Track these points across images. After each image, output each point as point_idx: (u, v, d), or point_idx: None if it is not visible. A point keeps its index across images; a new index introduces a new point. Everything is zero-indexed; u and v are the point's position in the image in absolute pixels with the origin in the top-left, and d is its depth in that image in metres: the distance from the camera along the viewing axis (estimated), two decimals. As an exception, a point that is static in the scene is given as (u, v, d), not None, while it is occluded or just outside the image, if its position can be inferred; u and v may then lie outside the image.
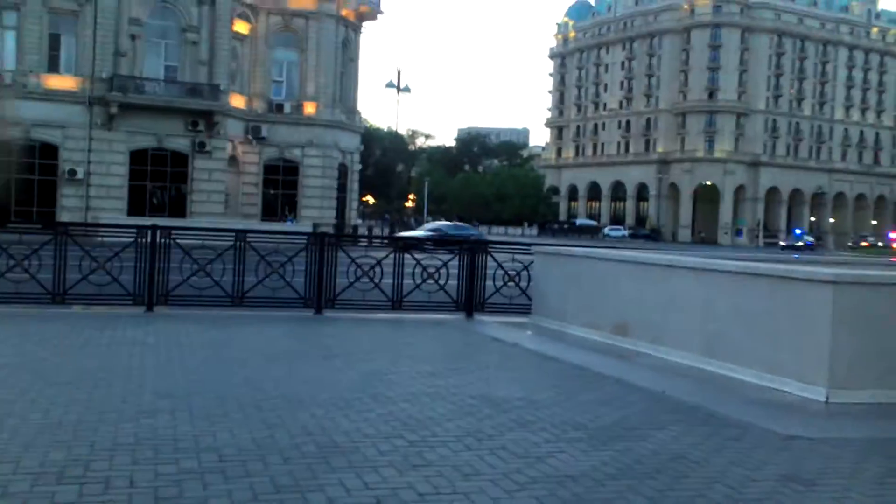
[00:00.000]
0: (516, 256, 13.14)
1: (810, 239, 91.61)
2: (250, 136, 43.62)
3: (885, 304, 7.39)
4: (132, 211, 38.98)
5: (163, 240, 11.53)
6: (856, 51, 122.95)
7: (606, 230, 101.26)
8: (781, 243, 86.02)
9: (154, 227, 11.55)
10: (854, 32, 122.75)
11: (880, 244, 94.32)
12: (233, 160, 43.17)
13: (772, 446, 5.55)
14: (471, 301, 12.64)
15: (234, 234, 11.95)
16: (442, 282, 12.60)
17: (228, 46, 41.92)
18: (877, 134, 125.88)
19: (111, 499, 4.01)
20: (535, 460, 4.95)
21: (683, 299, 9.14)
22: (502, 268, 12.86)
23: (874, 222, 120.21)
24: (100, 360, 7.73)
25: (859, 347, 7.25)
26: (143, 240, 11.48)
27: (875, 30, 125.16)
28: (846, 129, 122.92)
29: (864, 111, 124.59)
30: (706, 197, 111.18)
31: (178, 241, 11.68)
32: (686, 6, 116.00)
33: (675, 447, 5.40)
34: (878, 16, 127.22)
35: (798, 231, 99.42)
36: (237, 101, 42.90)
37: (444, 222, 47.71)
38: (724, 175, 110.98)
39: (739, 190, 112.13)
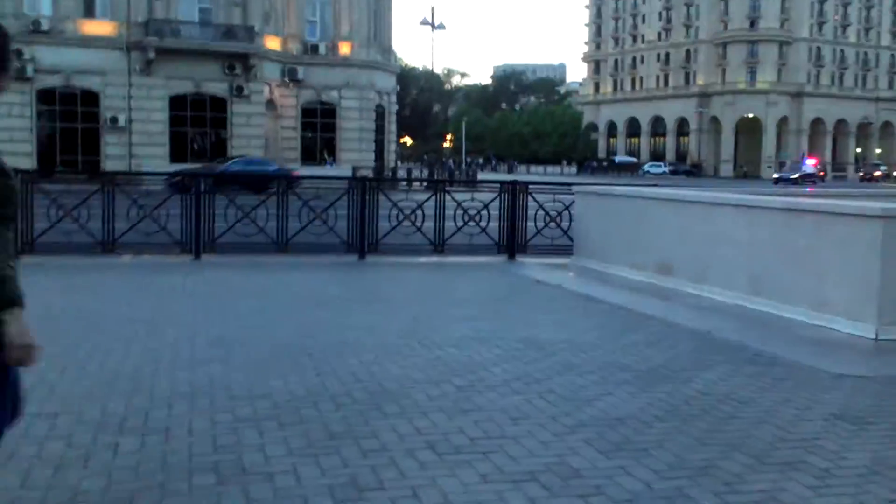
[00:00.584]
0: (557, 196, 13.07)
1: (811, 168, 76.29)
2: (287, 79, 43.48)
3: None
4: (174, 157, 39.33)
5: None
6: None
7: (646, 167, 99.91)
8: (775, 175, 73.37)
9: (195, 175, 11.68)
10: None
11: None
12: (270, 104, 43.17)
13: (821, 385, 5.54)
14: (512, 243, 12.64)
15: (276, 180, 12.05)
16: (483, 224, 12.62)
17: (261, -14, 41.62)
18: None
19: (173, 448, 4.14)
20: (583, 403, 5.00)
21: (727, 237, 9.05)
22: (543, 208, 12.81)
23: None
24: (152, 308, 7.90)
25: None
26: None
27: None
28: (893, 56, 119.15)
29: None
30: (748, 130, 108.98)
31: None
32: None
33: (722, 387, 5.41)
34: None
35: (806, 159, 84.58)
36: (272, 43, 42.71)
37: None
38: (767, 107, 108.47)
39: (782, 122, 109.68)
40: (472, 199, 12.85)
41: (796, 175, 66.42)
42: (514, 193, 12.69)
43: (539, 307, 8.58)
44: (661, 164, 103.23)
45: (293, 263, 11.34)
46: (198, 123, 41.15)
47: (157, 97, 39.58)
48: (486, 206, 12.69)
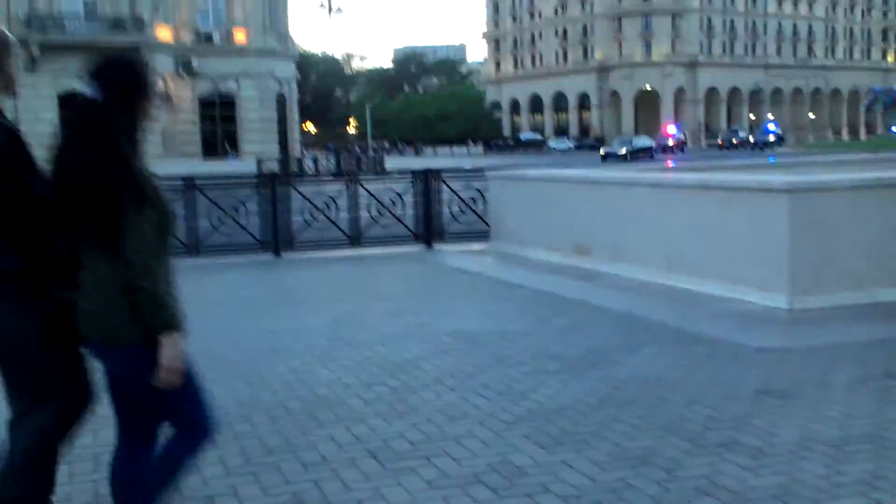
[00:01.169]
0: (470, 183, 13.10)
1: (668, 140, 76.82)
2: (181, 71, 42.35)
3: (838, 208, 7.54)
4: (68, 158, 37.90)
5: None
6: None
7: (551, 143, 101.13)
8: (602, 152, 63.80)
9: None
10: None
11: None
12: (166, 97, 41.96)
13: (743, 360, 5.71)
14: (429, 231, 12.63)
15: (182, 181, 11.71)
16: (399, 213, 12.57)
17: (150, -25, 40.37)
18: (809, 26, 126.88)
19: (103, 476, 3.97)
20: (519, 396, 5.02)
21: (641, 216, 9.22)
22: (458, 195, 12.82)
23: (812, 116, 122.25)
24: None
25: (817, 252, 7.42)
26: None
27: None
28: (780, 23, 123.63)
29: (796, 3, 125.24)
30: (647, 102, 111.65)
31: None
32: None
33: (650, 370, 5.52)
34: None
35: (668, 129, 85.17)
36: (164, 34, 41.50)
37: None
38: (663, 78, 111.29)
39: (679, 93, 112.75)
40: (386, 188, 12.78)
41: (623, 151, 59.62)
42: (427, 181, 12.67)
43: (462, 296, 8.60)
44: (566, 139, 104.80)
45: (206, 266, 11.06)
46: (91, 121, 39.73)
47: (44, 95, 37.98)
48: (400, 196, 12.63)
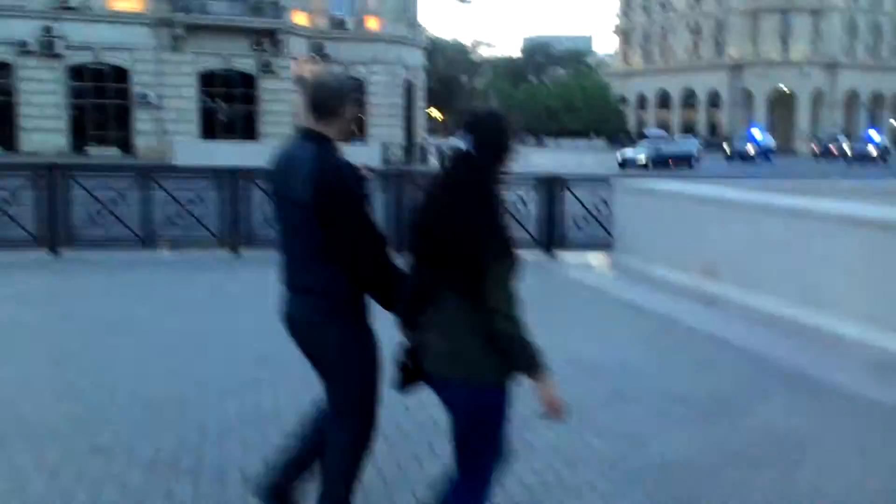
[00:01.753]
0: (597, 190, 12.81)
1: (770, 144, 63.88)
2: (314, 54, 43.26)
3: None
4: (205, 133, 39.42)
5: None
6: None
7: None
8: (620, 157, 49.80)
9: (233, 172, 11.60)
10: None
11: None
12: (300, 79, 43.00)
13: (887, 422, 5.36)
14: (550, 238, 12.46)
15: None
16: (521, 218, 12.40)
17: (287, -41, 41.28)
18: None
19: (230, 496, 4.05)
20: (640, 444, 4.86)
21: (777, 243, 8.80)
22: (581, 203, 12.57)
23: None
24: (190, 318, 7.85)
25: None
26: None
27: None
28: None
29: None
30: (781, 103, 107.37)
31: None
32: None
33: (782, 424, 5.25)
34: None
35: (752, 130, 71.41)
36: (299, 18, 42.44)
37: None
38: (800, 79, 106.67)
39: (817, 95, 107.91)
40: (509, 192, 12.63)
41: (643, 158, 47.03)
42: (550, 189, 12.48)
43: (583, 316, 8.43)
44: (693, 136, 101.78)
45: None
46: (227, 99, 41.16)
47: (186, 73, 39.57)
48: (523, 200, 12.46)
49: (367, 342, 3.33)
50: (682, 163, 47.11)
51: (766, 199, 9.51)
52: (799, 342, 7.46)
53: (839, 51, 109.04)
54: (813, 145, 75.40)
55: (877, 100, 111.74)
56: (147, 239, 11.32)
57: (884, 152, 66.46)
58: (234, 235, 11.48)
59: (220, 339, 7.02)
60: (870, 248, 7.63)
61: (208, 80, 40.30)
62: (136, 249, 11.26)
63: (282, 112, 41.17)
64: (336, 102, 3.26)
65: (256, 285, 9.32)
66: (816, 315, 8.03)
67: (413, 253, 3.03)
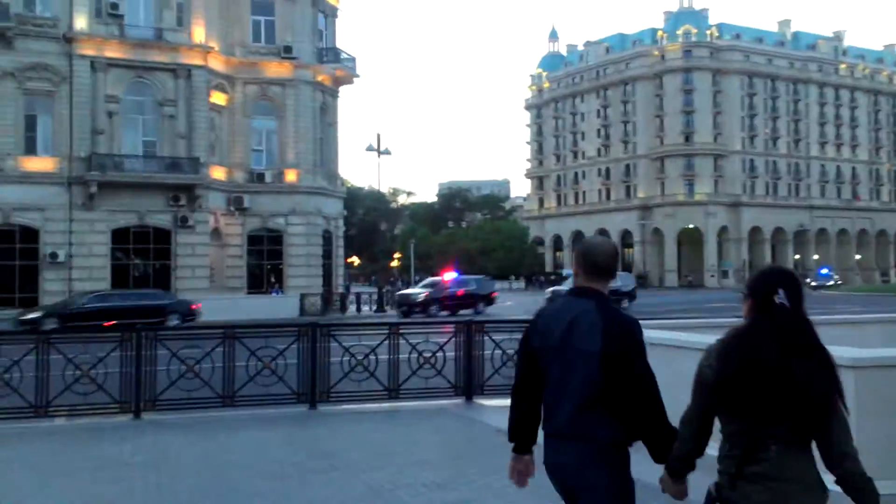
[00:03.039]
0: (515, 335, 12.73)
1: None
2: (232, 208, 43.35)
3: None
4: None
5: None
6: (826, 88, 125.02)
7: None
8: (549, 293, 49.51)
9: (139, 330, 11.14)
10: (823, 70, 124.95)
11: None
12: (215, 232, 42.84)
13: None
14: (469, 385, 12.23)
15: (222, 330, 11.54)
16: (439, 365, 12.21)
17: (206, 118, 41.88)
18: (853, 169, 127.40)
19: None
20: None
21: (687, 379, 8.76)
22: (500, 347, 12.46)
23: (858, 256, 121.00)
24: (86, 489, 7.26)
25: (885, 435, 6.88)
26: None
27: (843, 66, 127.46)
28: (823, 166, 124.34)
29: (839, 147, 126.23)
30: (690, 240, 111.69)
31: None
32: (656, 52, 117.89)
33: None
34: (844, 52, 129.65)
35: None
36: (218, 173, 42.73)
37: None
38: (706, 217, 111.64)
39: (722, 231, 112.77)
40: (427, 341, 12.46)
41: None
42: (469, 333, 12.37)
43: (502, 467, 8.08)
44: (628, 273, 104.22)
45: (240, 419, 10.74)
46: (141, 255, 40.55)
47: (99, 230, 39.01)
48: (441, 348, 12.30)
49: (631, 489, 3.55)
50: (623, 297, 47.98)
51: (678, 337, 9.53)
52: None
53: (740, 190, 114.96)
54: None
55: (778, 234, 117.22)
56: (39, 407, 10.65)
57: (835, 282, 78.84)
58: (138, 398, 10.92)
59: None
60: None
61: (122, 237, 39.77)
62: (29, 419, 10.58)
63: (197, 266, 40.69)
64: (614, 264, 3.68)
65: (154, 453, 8.79)
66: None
67: (730, 408, 3.14)
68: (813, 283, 74.50)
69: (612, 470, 3.49)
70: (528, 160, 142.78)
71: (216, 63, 42.61)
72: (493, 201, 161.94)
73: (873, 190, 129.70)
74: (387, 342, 12.09)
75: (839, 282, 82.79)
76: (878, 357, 7.08)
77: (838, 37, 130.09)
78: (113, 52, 39.68)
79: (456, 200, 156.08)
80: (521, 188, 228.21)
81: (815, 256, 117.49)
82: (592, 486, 3.47)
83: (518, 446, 3.75)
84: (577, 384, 3.47)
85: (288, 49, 44.27)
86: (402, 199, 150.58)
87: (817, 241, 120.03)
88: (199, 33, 41.44)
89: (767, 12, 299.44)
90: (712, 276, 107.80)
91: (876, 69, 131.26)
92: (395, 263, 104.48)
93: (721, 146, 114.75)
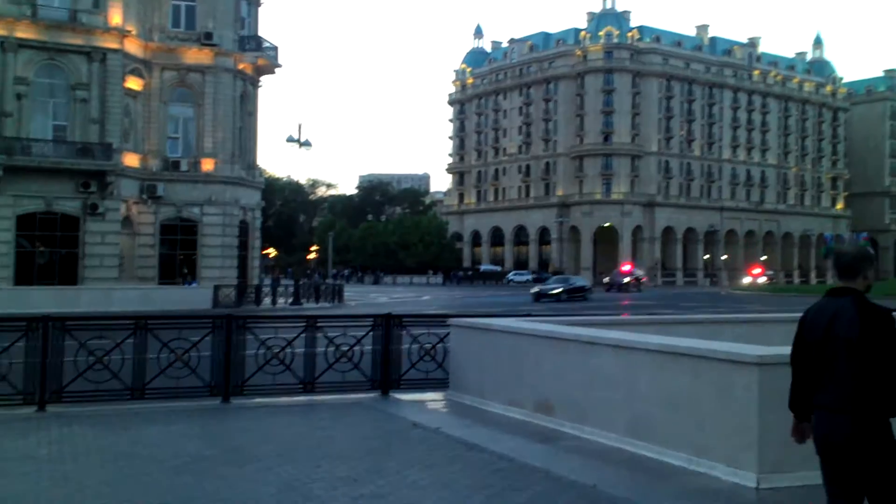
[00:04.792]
0: (433, 329, 12.78)
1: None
2: (145, 196, 42.26)
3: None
4: (20, 279, 37.17)
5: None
6: (739, 93, 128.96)
7: (511, 275, 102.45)
8: (535, 290, 57.35)
9: (46, 319, 10.76)
10: (737, 75, 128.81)
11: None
12: (127, 221, 41.70)
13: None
14: (386, 379, 12.23)
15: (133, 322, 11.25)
16: (356, 359, 12.16)
17: (121, 103, 40.69)
18: (762, 172, 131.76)
19: None
20: None
21: (606, 377, 8.97)
22: (417, 341, 12.49)
23: (764, 257, 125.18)
24: (-15, 485, 7.01)
25: (787, 428, 7.15)
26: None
27: (756, 72, 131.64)
28: (734, 169, 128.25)
29: (749, 150, 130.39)
30: (606, 238, 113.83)
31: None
32: (579, 52, 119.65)
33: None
34: (758, 59, 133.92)
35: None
36: (131, 160, 41.58)
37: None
38: (622, 216, 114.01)
39: (637, 230, 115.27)
40: (344, 334, 12.39)
41: (559, 290, 55.18)
42: (387, 327, 12.36)
43: (418, 461, 8.14)
44: (525, 272, 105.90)
45: (151, 412, 10.51)
46: (47, 243, 39.19)
47: (4, 216, 37.56)
48: (358, 342, 12.26)
49: (895, 453, 4.26)
50: (583, 292, 57.39)
51: (594, 334, 9.72)
52: (631, 473, 7.49)
53: (655, 190, 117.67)
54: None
55: (689, 234, 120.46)
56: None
57: (637, 281, 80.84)
58: (43, 389, 10.57)
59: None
60: (691, 377, 7.86)
61: (28, 223, 38.36)
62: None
63: (107, 255, 39.53)
64: (858, 265, 4.50)
65: (60, 447, 8.54)
66: (644, 446, 8.17)
67: None
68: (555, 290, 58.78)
69: (876, 438, 4.20)
70: (449, 155, 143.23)
71: (133, 47, 41.43)
72: (413, 195, 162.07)
73: (780, 193, 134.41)
74: (304, 335, 11.99)
75: (639, 282, 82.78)
76: (779, 354, 7.35)
77: (753, 43, 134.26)
78: (24, 32, 38.25)
79: (376, 194, 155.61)
80: (441, 183, 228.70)
81: (724, 256, 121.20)
82: (861, 453, 4.20)
83: (798, 416, 4.62)
84: (842, 366, 4.28)
85: (208, 35, 43.35)
86: (322, 191, 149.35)
87: (726, 241, 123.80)
88: (115, 16, 40.22)
89: (686, 16, 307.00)
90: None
91: (787, 76, 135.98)
92: (311, 256, 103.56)
93: (638, 147, 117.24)
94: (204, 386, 11.37)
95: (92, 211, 39.07)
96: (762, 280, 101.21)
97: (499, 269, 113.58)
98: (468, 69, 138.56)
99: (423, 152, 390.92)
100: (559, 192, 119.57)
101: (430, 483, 7.24)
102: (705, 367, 7.75)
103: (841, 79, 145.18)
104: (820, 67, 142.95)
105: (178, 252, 43.69)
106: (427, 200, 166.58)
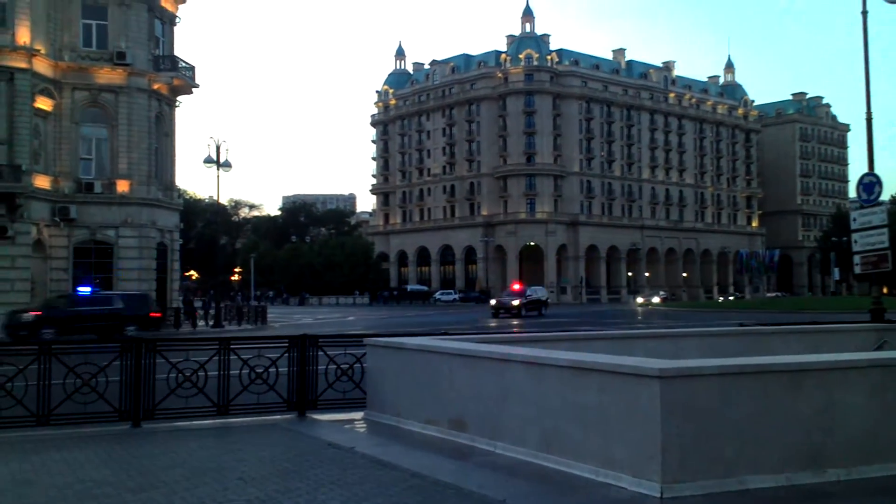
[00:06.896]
0: (349, 349, 12.74)
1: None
2: (57, 219, 41.09)
3: (708, 394, 7.57)
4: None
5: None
6: (656, 115, 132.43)
7: (437, 295, 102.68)
8: (493, 302, 58.22)
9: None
10: (654, 98, 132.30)
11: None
12: (38, 244, 40.44)
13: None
14: (303, 399, 12.12)
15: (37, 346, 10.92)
16: (273, 380, 12.03)
17: (29, 124, 39.55)
18: (680, 192, 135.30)
19: None
20: None
21: (518, 392, 9.07)
22: (334, 362, 12.42)
23: (685, 274, 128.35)
24: None
25: (689, 438, 7.35)
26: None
27: (672, 95, 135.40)
28: (653, 188, 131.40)
29: (667, 170, 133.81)
30: (531, 257, 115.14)
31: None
32: (500, 74, 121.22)
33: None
34: (673, 82, 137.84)
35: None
36: (42, 182, 40.42)
37: None
38: (546, 235, 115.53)
39: (561, 249, 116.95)
40: (259, 356, 12.25)
41: (517, 303, 56.12)
42: (303, 348, 12.26)
43: (331, 480, 8.08)
44: (452, 291, 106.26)
45: (55, 440, 10.19)
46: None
47: None
48: (273, 363, 12.13)
49: None
50: (541, 305, 58.97)
51: (507, 350, 9.83)
52: (541, 486, 7.58)
53: (578, 210, 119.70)
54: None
55: (612, 252, 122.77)
56: None
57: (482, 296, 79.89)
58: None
59: None
60: (598, 391, 8.01)
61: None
62: None
63: (17, 279, 38.25)
64: None
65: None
66: (555, 459, 8.27)
67: None
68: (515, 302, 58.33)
69: None
70: (373, 175, 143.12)
71: (42, 67, 40.36)
72: (338, 216, 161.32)
73: (698, 212, 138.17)
74: (217, 357, 11.81)
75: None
76: (679, 367, 7.56)
77: (668, 66, 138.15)
78: (-74, 51, 36.94)
79: (300, 214, 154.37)
80: (366, 203, 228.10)
81: (647, 274, 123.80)
82: None
83: None
84: None
85: (121, 55, 42.53)
86: (245, 213, 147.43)
87: (648, 259, 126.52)
88: (23, 35, 39.15)
89: (604, 40, 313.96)
90: (551, 291, 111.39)
91: (701, 98, 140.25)
92: (235, 278, 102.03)
93: (560, 167, 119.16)
94: (113, 411, 11.09)
95: (1, 234, 37.79)
96: (656, 300, 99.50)
97: (426, 288, 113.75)
98: (390, 90, 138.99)
99: (348, 173, 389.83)
100: (484, 212, 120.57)
101: (340, 502, 7.19)
102: (611, 381, 7.90)
103: (752, 101, 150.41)
104: (732, 90, 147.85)
105: (93, 275, 42.49)
106: (353, 221, 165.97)
